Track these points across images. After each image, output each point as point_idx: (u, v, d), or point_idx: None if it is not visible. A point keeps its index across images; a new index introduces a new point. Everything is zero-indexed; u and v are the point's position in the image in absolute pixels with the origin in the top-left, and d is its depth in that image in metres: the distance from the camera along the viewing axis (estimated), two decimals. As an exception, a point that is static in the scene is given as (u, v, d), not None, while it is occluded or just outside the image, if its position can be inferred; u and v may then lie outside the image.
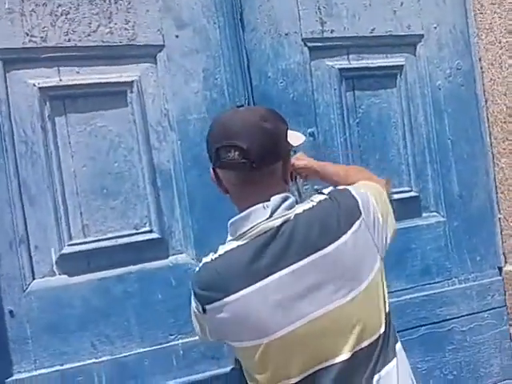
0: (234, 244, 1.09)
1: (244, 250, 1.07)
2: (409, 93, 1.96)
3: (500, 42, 1.96)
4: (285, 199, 1.09)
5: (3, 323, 1.47)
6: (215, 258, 1.10)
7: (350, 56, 1.88)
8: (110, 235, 1.57)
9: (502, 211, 2.07)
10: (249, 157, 1.05)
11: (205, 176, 1.64)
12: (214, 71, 1.67)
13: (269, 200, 1.08)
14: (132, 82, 1.57)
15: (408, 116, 1.95)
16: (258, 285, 1.04)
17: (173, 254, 1.65)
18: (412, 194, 1.96)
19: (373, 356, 1.07)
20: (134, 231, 1.60)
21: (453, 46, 2.03)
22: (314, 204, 1.10)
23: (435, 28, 2.00)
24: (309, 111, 1.81)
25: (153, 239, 1.61)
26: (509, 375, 2.06)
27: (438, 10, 2.01)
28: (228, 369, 1.66)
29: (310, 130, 1.80)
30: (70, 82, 1.52)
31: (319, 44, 1.82)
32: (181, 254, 1.65)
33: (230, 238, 1.12)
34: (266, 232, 1.06)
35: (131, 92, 1.58)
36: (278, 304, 1.04)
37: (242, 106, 1.24)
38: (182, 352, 1.63)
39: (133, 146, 1.59)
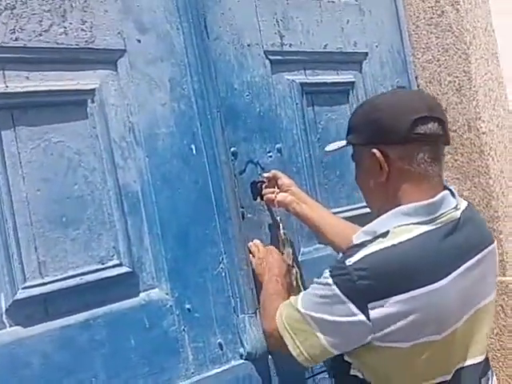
0: (423, 228, 1.00)
1: (436, 236, 1.00)
2: (360, 109, 1.95)
3: (438, 61, 2.04)
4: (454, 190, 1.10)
5: None
6: (399, 243, 0.97)
7: (307, 71, 1.83)
8: (71, 273, 1.29)
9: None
10: (446, 131, 1.04)
11: (177, 197, 1.47)
12: (180, 81, 1.50)
13: (444, 188, 1.07)
14: (93, 90, 1.35)
15: (362, 132, 1.94)
16: (449, 277, 0.99)
17: (144, 290, 1.41)
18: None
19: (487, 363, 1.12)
20: (101, 266, 1.34)
21: (392, 64, 2.09)
22: (467, 204, 1.11)
23: (377, 47, 2.05)
24: (273, 126, 1.71)
25: (122, 274, 1.37)
26: None
27: (377, 29, 2.06)
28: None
29: (277, 146, 1.70)
30: (19, 89, 1.25)
31: (279, 57, 1.74)
32: (153, 288, 1.42)
33: (413, 220, 1.02)
34: (452, 221, 1.03)
35: (92, 102, 1.34)
36: (458, 298, 1.01)
37: (404, 87, 1.25)
38: (160, 405, 1.38)
39: (95, 166, 1.35)
